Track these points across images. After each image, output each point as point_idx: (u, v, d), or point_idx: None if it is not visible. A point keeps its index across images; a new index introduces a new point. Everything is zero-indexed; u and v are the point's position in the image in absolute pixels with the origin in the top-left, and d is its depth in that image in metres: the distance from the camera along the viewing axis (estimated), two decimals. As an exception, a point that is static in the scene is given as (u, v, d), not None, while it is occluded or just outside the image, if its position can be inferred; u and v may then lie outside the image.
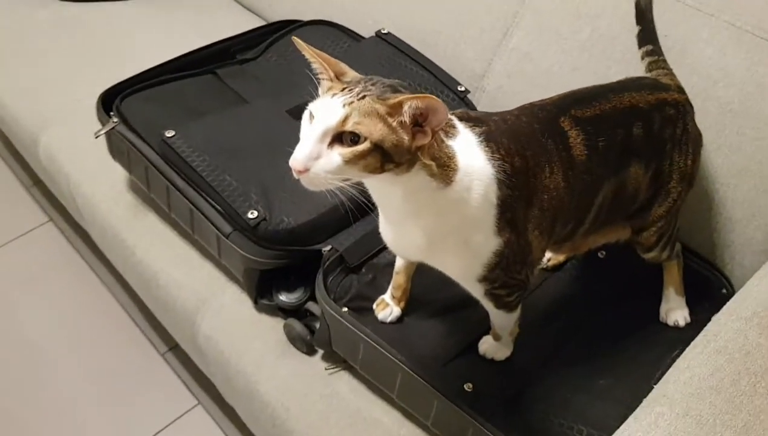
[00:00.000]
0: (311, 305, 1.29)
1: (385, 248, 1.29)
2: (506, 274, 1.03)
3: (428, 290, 1.25)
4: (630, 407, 1.09)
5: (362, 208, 1.30)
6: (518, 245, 1.01)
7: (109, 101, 1.46)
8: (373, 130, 0.85)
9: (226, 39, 1.66)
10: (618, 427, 0.89)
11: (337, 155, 0.86)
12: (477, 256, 1.00)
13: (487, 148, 0.96)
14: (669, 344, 1.22)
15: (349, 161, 0.86)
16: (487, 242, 0.99)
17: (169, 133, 1.33)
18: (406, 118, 0.86)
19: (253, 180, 1.29)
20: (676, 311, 1.28)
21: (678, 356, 1.16)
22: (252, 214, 1.24)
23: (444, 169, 0.92)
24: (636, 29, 1.33)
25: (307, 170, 0.86)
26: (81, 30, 1.94)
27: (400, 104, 0.86)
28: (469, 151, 0.95)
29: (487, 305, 1.10)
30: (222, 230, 1.27)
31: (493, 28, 1.58)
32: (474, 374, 1.16)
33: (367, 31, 1.70)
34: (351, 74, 0.93)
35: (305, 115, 0.91)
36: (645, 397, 1.10)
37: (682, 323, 1.27)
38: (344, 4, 1.81)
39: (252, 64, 1.63)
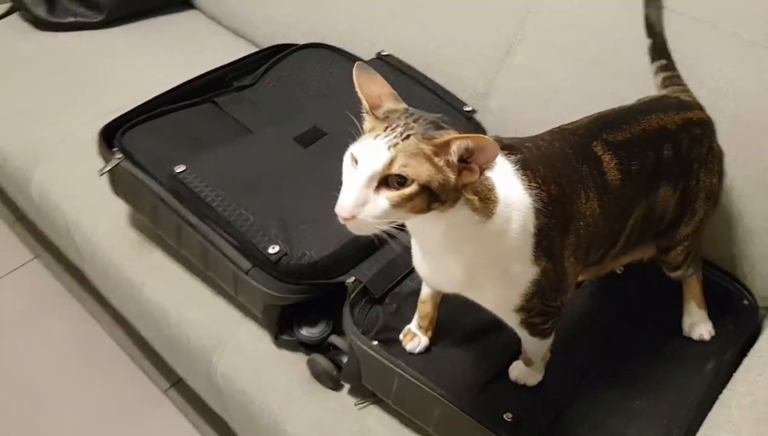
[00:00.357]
0: (335, 339, 1.25)
1: (407, 275, 1.28)
2: (543, 302, 1.01)
3: (453, 316, 1.23)
4: (670, 428, 1.11)
5: (381, 237, 1.30)
6: (554, 273, 1.00)
7: (110, 135, 1.41)
8: (420, 171, 0.83)
9: (221, 66, 1.62)
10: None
11: (384, 200, 0.83)
12: (515, 286, 0.98)
13: (524, 177, 0.95)
14: (697, 360, 1.22)
15: (397, 205, 0.83)
16: (525, 272, 0.97)
17: (179, 169, 1.28)
18: (454, 158, 0.84)
19: (270, 213, 1.25)
20: (699, 325, 1.27)
21: (710, 371, 1.19)
22: (273, 250, 1.20)
23: (485, 202, 0.90)
24: (647, 42, 1.33)
25: (354, 217, 0.84)
26: (66, 60, 1.88)
27: (447, 144, 0.84)
28: (506, 181, 0.94)
29: (522, 333, 1.08)
30: (241, 267, 1.23)
31: (496, 45, 1.57)
32: (510, 402, 1.14)
33: (364, 53, 1.67)
34: (387, 106, 0.90)
35: (346, 157, 0.89)
36: (682, 417, 1.12)
37: (707, 336, 1.27)
38: (337, 26, 1.78)
39: (249, 90, 1.59)
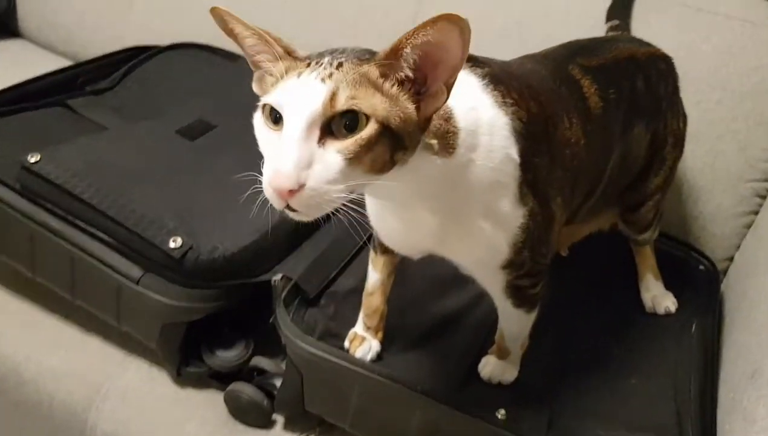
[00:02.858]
0: (259, 361, 0.98)
1: (341, 272, 1.05)
2: (533, 255, 0.81)
3: (401, 313, 1.01)
4: (678, 400, 0.95)
5: (306, 226, 1.06)
6: (543, 217, 0.81)
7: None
8: (374, 103, 0.62)
9: (71, 67, 1.35)
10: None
11: (335, 154, 0.61)
12: (502, 230, 0.78)
13: (495, 92, 0.75)
14: (673, 331, 1.10)
15: (354, 158, 0.61)
16: (512, 214, 0.77)
17: (33, 158, 0.97)
18: (408, 72, 0.63)
19: (162, 205, 0.98)
20: (662, 298, 1.14)
21: (692, 340, 1.07)
22: (175, 243, 0.92)
23: (443, 138, 0.70)
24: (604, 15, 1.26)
25: (301, 187, 0.60)
26: None
27: (396, 53, 0.62)
28: (470, 100, 0.73)
29: (505, 304, 0.87)
30: (127, 276, 0.93)
31: (395, 30, 1.38)
32: (495, 401, 0.92)
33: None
34: (301, 52, 0.68)
35: (258, 117, 0.66)
36: (684, 389, 0.96)
37: (672, 308, 1.14)
38: (202, 31, 1.55)
39: (109, 94, 1.33)
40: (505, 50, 0.90)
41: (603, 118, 0.89)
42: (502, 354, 0.95)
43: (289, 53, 0.67)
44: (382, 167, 0.63)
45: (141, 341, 1.01)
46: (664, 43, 1.10)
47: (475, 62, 0.78)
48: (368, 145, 0.61)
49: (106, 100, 1.30)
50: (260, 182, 0.62)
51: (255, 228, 0.98)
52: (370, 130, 0.61)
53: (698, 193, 1.23)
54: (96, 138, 1.10)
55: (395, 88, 0.63)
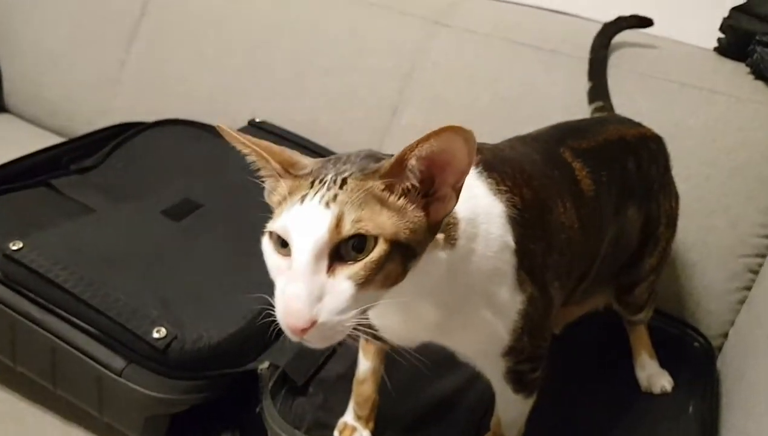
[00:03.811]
0: (246, 452, 0.94)
1: (330, 357, 1.02)
2: (532, 341, 0.80)
3: (392, 401, 0.97)
4: None
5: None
6: (542, 302, 0.79)
7: None
8: (382, 221, 0.60)
9: (54, 146, 1.33)
10: None
11: (345, 282, 0.59)
12: (502, 318, 0.76)
13: (489, 180, 0.74)
14: (671, 413, 1.06)
15: (365, 282, 0.59)
16: (511, 300, 0.75)
17: (15, 246, 0.95)
18: (414, 181, 0.62)
19: (146, 292, 0.95)
20: (657, 377, 1.12)
21: (687, 421, 1.04)
22: (159, 333, 0.89)
23: (446, 231, 0.68)
24: (587, 85, 1.27)
25: (314, 323, 0.58)
26: None
27: (400, 164, 0.61)
28: (467, 189, 0.72)
29: (504, 391, 0.85)
30: (109, 367, 0.90)
31: (380, 107, 1.43)
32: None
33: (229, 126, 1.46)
34: (303, 161, 0.66)
35: (266, 243, 0.64)
36: None
37: (668, 387, 1.11)
38: (189, 106, 1.55)
39: (94, 173, 1.31)
40: (492, 128, 0.90)
41: (596, 200, 0.88)
42: (498, 440, 0.92)
43: (290, 168, 0.65)
44: (395, 281, 0.62)
45: (124, 433, 0.98)
46: (652, 120, 1.10)
47: None
48: (378, 266, 0.59)
49: (91, 179, 1.29)
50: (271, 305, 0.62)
51: (241, 314, 0.96)
52: (379, 250, 0.59)
53: (691, 270, 1.22)
54: (80, 223, 1.08)
55: (402, 199, 0.62)
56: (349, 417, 0.94)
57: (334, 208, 0.59)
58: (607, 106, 1.22)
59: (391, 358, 0.95)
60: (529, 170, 0.82)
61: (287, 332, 0.60)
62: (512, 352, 0.78)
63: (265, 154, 0.65)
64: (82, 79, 1.68)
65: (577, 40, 1.35)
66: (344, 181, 0.61)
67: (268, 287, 1.02)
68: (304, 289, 0.58)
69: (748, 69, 1.27)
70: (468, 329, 0.77)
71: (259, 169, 0.67)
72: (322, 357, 1.00)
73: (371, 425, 0.94)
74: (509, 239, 0.74)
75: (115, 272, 0.97)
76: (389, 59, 1.44)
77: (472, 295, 0.74)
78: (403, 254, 0.61)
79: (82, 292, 0.92)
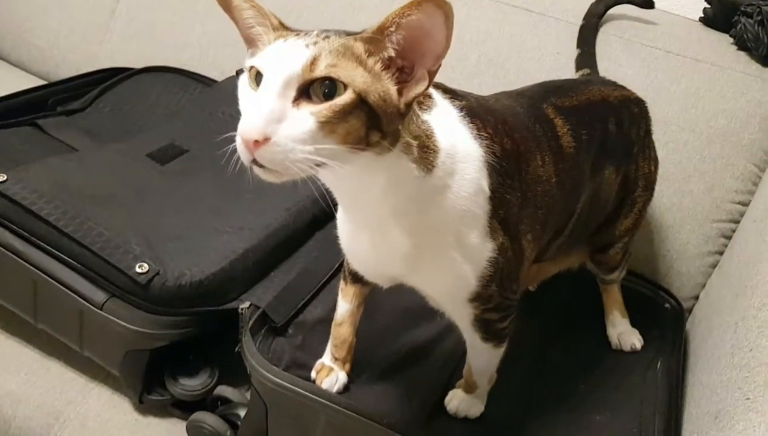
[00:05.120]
0: (224, 390, 0.96)
1: (310, 301, 1.04)
2: (501, 291, 0.82)
3: (369, 345, 1.00)
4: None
5: (277, 252, 1.05)
6: (513, 252, 0.81)
7: None
8: (354, 75, 0.62)
9: (40, 87, 1.33)
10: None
11: (307, 115, 0.61)
12: (471, 262, 0.78)
13: (471, 125, 0.76)
14: (639, 369, 1.10)
15: (327, 122, 0.61)
16: (482, 247, 0.77)
17: (-1, 178, 0.96)
18: (392, 52, 0.64)
19: (129, 229, 0.96)
20: (628, 335, 1.15)
21: (654, 377, 1.07)
22: (141, 268, 0.90)
23: (424, 151, 0.71)
24: (575, 53, 1.28)
25: (267, 140, 0.60)
26: None
27: (383, 30, 0.63)
28: (449, 128, 0.74)
29: (473, 337, 0.87)
30: (91, 300, 0.91)
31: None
32: (461, 436, 0.91)
33: (218, 77, 1.46)
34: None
35: (242, 80, 0.66)
36: (649, 427, 0.97)
37: (638, 345, 1.14)
38: (178, 54, 1.54)
39: (80, 115, 1.31)
40: (478, 88, 0.91)
41: (574, 158, 0.90)
42: (470, 388, 0.95)
43: (283, 25, 0.68)
44: (356, 142, 0.63)
45: (103, 367, 0.99)
46: (635, 84, 1.12)
47: (453, 95, 0.79)
48: (342, 114, 0.61)
49: (77, 122, 1.29)
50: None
51: (224, 255, 0.97)
52: (345, 98, 0.61)
53: (666, 232, 1.24)
54: (65, 159, 1.08)
55: (379, 66, 0.64)
56: (326, 359, 0.96)
57: (313, 49, 0.62)
58: (593, 74, 1.23)
59: (370, 307, 0.98)
60: (512, 122, 0.83)
61: (242, 154, 0.61)
62: (479, 299, 0.81)
63: (265, 10, 0.68)
64: (71, 26, 1.66)
65: (566, 4, 1.37)
66: (327, 36, 0.64)
67: (250, 230, 1.05)
68: (265, 106, 0.60)
69: (731, 40, 1.29)
70: (436, 268, 0.79)
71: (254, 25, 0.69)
72: (303, 300, 1.02)
73: (348, 366, 0.96)
74: (485, 185, 0.75)
75: (99, 209, 0.98)
76: (378, 18, 1.44)
77: (444, 232, 0.76)
78: (369, 118, 0.63)
79: (66, 225, 0.93)
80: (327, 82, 0.61)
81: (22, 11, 1.73)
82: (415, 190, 0.71)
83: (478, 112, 0.79)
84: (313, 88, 0.61)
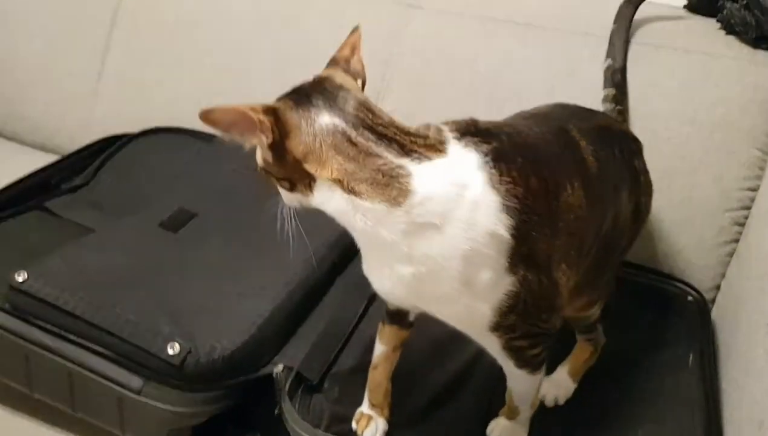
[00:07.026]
0: (268, 454, 0.97)
1: (342, 350, 1.04)
2: (525, 320, 0.82)
3: (406, 385, 1.00)
4: None
5: (302, 306, 1.06)
6: (540, 285, 0.81)
7: None
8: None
9: (42, 169, 1.33)
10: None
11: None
12: (482, 299, 0.77)
13: (493, 171, 0.75)
14: (671, 367, 1.09)
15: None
16: (498, 282, 0.76)
17: (20, 277, 0.96)
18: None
19: (155, 309, 0.97)
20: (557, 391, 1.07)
21: (688, 378, 1.06)
22: (173, 349, 0.91)
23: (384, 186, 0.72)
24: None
25: None
26: None
27: None
28: (457, 176, 0.74)
29: (506, 364, 0.86)
30: (128, 387, 0.92)
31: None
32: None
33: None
34: None
35: None
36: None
37: (562, 401, 1.06)
38: (172, 113, 1.55)
39: (85, 190, 1.32)
40: (474, 107, 0.91)
41: (599, 177, 0.90)
42: (512, 414, 0.94)
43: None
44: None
45: (148, 447, 1.00)
46: (631, 82, 1.12)
47: (484, 136, 0.78)
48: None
49: (84, 197, 1.29)
50: None
51: (251, 321, 0.98)
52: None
53: (679, 227, 1.25)
54: (80, 245, 1.09)
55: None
56: (365, 407, 0.97)
57: None
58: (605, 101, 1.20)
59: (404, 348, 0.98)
60: (543, 156, 0.83)
61: None
62: (500, 328, 0.80)
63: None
64: (60, 95, 1.67)
65: (549, 11, 1.37)
66: None
67: (272, 288, 1.05)
68: None
69: (718, 25, 1.29)
70: (443, 299, 0.78)
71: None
72: (334, 352, 1.03)
73: (386, 412, 0.97)
74: (500, 229, 0.74)
75: (122, 291, 0.99)
76: (367, 45, 1.44)
77: (443, 266, 0.75)
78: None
79: (92, 316, 0.94)
80: None
81: (10, 85, 1.73)
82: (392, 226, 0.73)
83: (506, 153, 0.77)
84: None
